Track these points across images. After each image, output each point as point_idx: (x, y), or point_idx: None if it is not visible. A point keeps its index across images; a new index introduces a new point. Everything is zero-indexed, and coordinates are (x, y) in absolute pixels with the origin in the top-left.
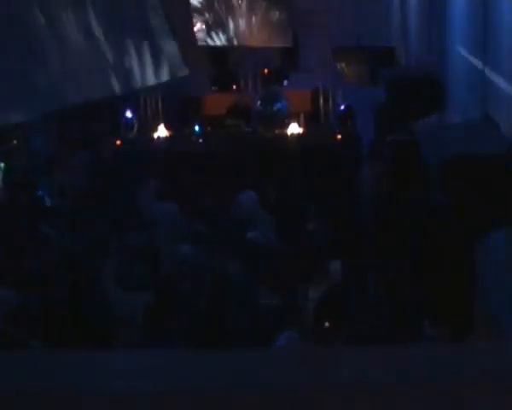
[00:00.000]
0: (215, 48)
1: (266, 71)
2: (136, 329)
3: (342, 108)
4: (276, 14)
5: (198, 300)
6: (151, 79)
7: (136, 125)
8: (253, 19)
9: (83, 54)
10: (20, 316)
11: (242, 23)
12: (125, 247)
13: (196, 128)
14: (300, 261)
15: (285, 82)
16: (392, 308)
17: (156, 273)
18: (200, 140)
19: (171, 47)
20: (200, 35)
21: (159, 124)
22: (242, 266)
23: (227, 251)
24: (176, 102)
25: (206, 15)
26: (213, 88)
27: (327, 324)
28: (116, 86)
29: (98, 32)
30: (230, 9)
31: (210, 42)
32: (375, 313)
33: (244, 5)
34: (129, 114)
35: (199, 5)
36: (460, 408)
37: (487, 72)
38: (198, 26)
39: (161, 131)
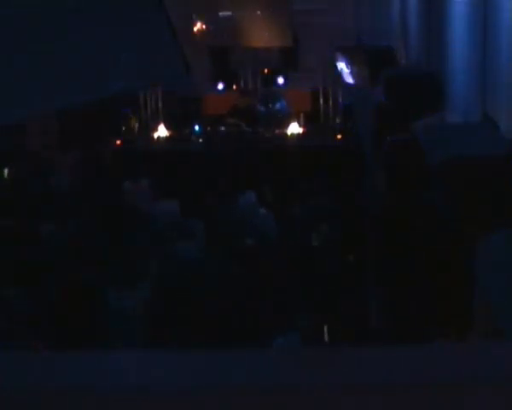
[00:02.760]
0: (215, 48)
1: (266, 71)
2: (133, 326)
3: (342, 108)
4: (276, 14)
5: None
6: (150, 79)
7: (136, 125)
8: (253, 19)
9: (81, 54)
10: (21, 315)
11: (242, 23)
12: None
13: (196, 128)
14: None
15: (284, 82)
16: (393, 308)
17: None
18: (200, 140)
19: (170, 47)
20: (200, 35)
21: (159, 124)
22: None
23: (226, 250)
24: (176, 102)
25: (207, 15)
26: (213, 88)
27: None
28: (114, 86)
29: (96, 31)
30: (231, 9)
31: (210, 42)
32: (376, 313)
33: (244, 5)
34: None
35: (199, 5)
36: (460, 408)
37: (487, 71)
38: (198, 26)
39: (161, 131)
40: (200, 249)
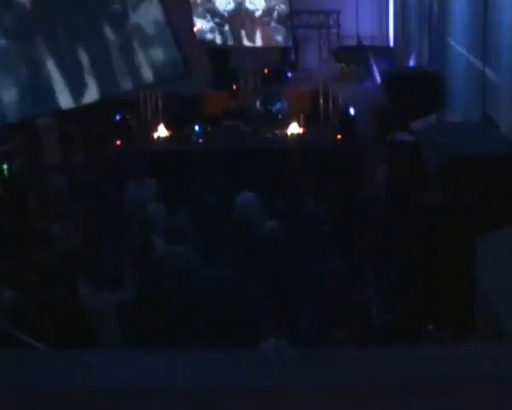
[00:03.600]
0: (215, 48)
1: (266, 71)
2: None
3: (342, 108)
4: (276, 14)
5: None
6: (150, 79)
7: (135, 125)
8: (253, 19)
9: (80, 54)
10: (20, 316)
11: (243, 23)
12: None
13: (196, 128)
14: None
15: (285, 82)
16: (393, 309)
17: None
18: (200, 140)
19: (170, 46)
20: (200, 35)
21: (159, 124)
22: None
23: (223, 251)
24: (176, 102)
25: (207, 15)
26: (213, 88)
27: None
28: (114, 86)
29: (95, 31)
30: (231, 9)
31: (210, 42)
32: (376, 313)
33: (244, 5)
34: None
35: (199, 4)
36: (460, 408)
37: (487, 71)
38: (198, 26)
39: (161, 131)
40: (189, 251)
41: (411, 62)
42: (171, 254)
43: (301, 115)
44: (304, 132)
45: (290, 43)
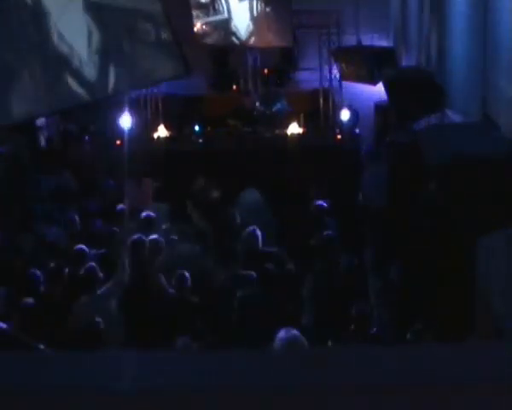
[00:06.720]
0: (215, 48)
1: (266, 71)
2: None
3: (342, 108)
4: (276, 14)
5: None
6: (150, 79)
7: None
8: (253, 19)
9: (78, 52)
10: (19, 316)
11: (243, 23)
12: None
13: (196, 128)
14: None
15: (285, 82)
16: (392, 308)
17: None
18: (200, 140)
19: (170, 46)
20: (200, 35)
21: (159, 124)
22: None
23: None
24: (176, 102)
25: (207, 15)
26: (213, 88)
27: None
28: (114, 86)
29: (94, 30)
30: (231, 9)
31: (210, 41)
32: (375, 313)
33: (244, 5)
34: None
35: (199, 4)
36: (460, 408)
37: (487, 72)
38: (198, 26)
39: (161, 131)
40: (193, 249)
41: (411, 62)
42: (172, 253)
43: (301, 115)
44: (304, 132)
45: (290, 44)
